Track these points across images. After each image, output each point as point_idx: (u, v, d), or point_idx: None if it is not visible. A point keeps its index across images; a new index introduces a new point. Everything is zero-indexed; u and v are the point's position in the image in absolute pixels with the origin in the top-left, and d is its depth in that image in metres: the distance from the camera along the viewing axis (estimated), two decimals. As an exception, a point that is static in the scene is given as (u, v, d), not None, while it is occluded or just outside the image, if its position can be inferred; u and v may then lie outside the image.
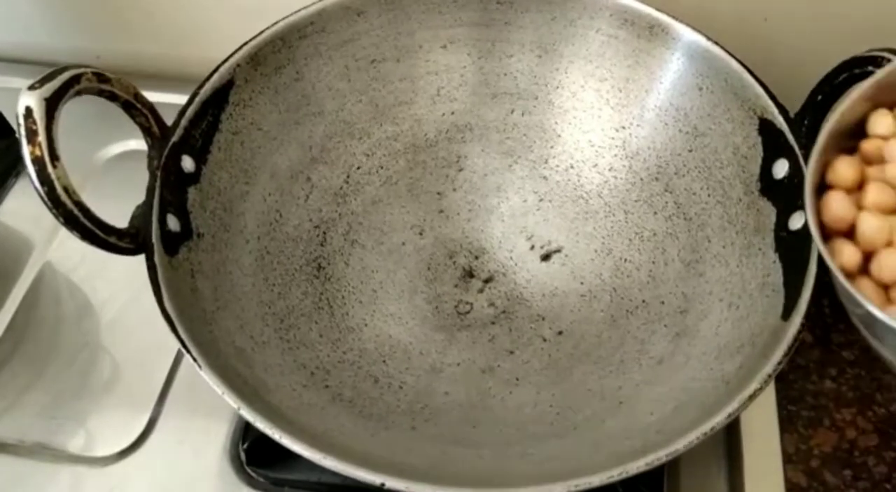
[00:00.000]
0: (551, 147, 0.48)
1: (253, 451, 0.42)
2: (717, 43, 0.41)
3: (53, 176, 0.32)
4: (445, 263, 0.46)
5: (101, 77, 0.36)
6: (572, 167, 0.47)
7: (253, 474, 0.42)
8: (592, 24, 0.45)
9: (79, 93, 0.34)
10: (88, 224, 0.34)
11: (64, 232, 0.34)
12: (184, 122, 0.39)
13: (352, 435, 0.36)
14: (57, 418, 0.45)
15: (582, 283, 0.44)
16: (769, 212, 0.39)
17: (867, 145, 0.32)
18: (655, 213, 0.44)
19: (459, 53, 0.47)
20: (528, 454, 0.36)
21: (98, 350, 0.48)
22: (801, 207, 0.36)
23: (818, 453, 0.41)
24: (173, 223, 0.37)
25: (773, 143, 0.39)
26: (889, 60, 0.33)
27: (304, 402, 0.37)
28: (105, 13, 0.58)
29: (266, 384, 0.36)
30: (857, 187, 0.32)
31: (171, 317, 0.34)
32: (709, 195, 0.42)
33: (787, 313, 0.34)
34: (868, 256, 0.30)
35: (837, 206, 0.31)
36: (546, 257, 0.46)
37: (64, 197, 0.33)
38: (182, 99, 0.40)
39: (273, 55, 0.43)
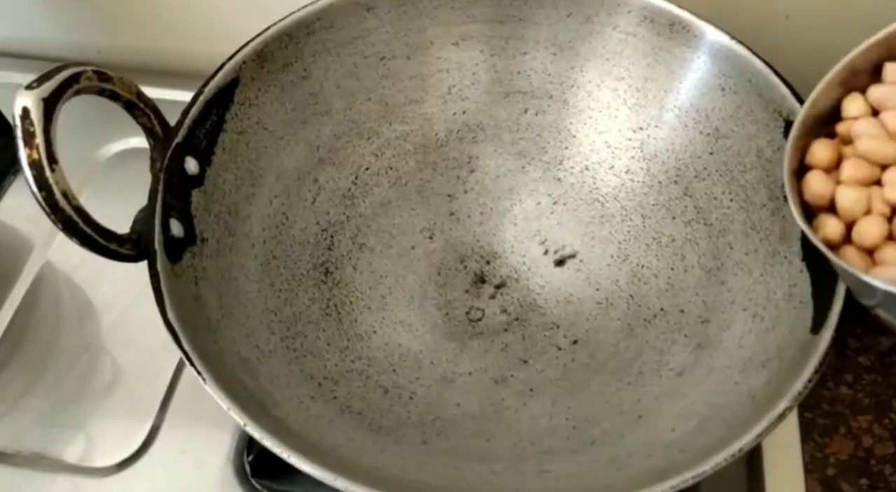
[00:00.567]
0: (566, 148, 0.47)
1: (258, 463, 0.41)
2: (741, 42, 0.40)
3: (51, 180, 0.31)
4: (456, 267, 0.45)
5: (101, 75, 0.34)
6: (587, 169, 0.46)
7: (258, 487, 0.41)
8: (610, 20, 0.44)
9: (78, 92, 0.33)
10: (88, 230, 0.33)
11: (64, 231, 0.33)
12: (187, 122, 0.38)
13: (361, 450, 0.34)
14: (55, 426, 0.44)
15: (598, 289, 0.43)
16: (795, 218, 0.37)
17: (842, 127, 0.34)
18: (674, 217, 0.43)
19: (472, 51, 0.46)
20: (545, 471, 0.34)
21: (99, 354, 0.47)
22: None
23: (834, 462, 0.41)
24: (176, 228, 0.36)
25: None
26: None
27: (312, 415, 0.35)
28: (106, 6, 0.58)
29: (272, 397, 0.35)
30: (836, 167, 0.34)
31: (175, 327, 0.32)
32: (731, 200, 0.41)
33: (816, 327, 0.33)
34: (850, 228, 0.32)
35: (817, 184, 0.33)
36: (560, 263, 0.45)
37: (62, 202, 0.31)
38: (186, 95, 0.39)
39: (280, 52, 0.42)
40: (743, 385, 0.34)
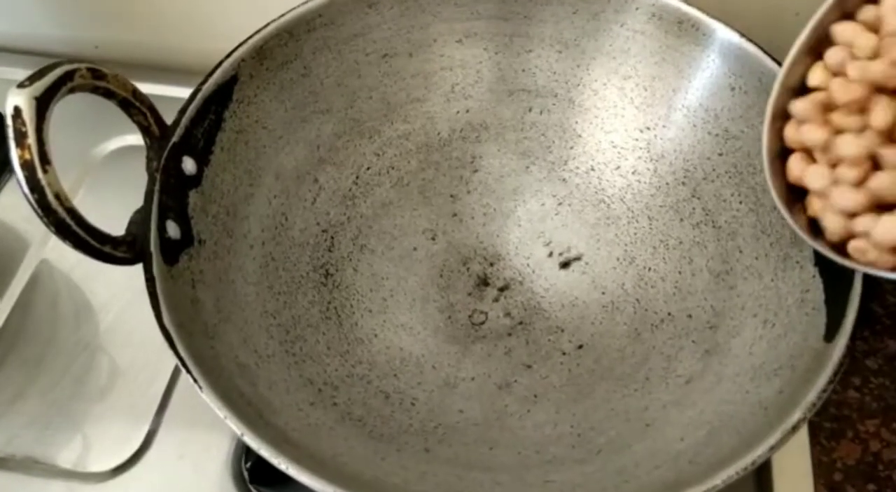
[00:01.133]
0: (571, 148, 0.46)
1: (257, 469, 0.40)
2: (751, 40, 0.39)
3: (44, 182, 0.30)
4: (459, 269, 0.44)
5: (96, 73, 0.33)
6: (593, 170, 0.45)
7: (256, 493, 0.40)
8: (617, 18, 0.43)
9: (72, 90, 0.32)
10: (81, 233, 0.32)
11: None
12: (185, 120, 0.37)
13: (362, 459, 0.34)
14: (50, 429, 0.43)
15: (603, 293, 0.42)
16: (808, 222, 0.36)
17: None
18: (682, 219, 0.42)
19: (475, 48, 0.45)
20: (550, 482, 0.34)
21: (97, 354, 0.46)
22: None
23: (841, 466, 0.41)
24: (173, 230, 0.36)
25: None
26: None
27: (312, 422, 0.35)
28: (104, 1, 0.57)
29: (271, 404, 0.34)
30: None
31: (171, 332, 0.32)
32: (740, 202, 0.40)
33: (830, 335, 0.32)
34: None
35: (796, 166, 0.32)
36: (565, 265, 0.44)
37: (55, 204, 0.31)
38: (183, 92, 0.38)
39: (280, 49, 0.41)
40: (754, 394, 0.33)
